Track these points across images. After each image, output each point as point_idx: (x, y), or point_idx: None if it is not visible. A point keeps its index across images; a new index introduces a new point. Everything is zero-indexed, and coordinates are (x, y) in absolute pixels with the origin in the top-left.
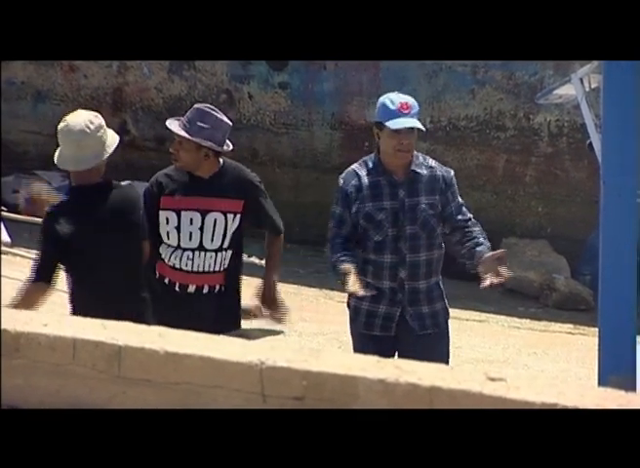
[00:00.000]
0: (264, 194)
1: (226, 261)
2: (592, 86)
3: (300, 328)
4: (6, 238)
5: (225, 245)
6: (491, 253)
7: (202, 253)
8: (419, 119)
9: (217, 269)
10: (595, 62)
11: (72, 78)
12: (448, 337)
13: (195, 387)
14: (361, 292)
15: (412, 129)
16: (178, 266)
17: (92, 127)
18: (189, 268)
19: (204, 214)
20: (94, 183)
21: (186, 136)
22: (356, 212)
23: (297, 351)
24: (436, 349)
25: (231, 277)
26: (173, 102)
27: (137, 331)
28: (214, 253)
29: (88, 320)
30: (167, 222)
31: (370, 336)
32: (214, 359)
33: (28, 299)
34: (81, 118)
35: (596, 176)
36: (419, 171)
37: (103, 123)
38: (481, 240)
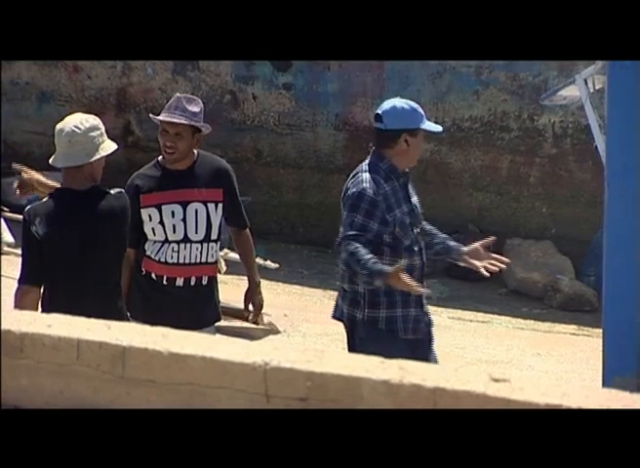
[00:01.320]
0: (236, 186)
1: (214, 253)
2: (597, 87)
3: (304, 328)
4: (9, 238)
5: (213, 236)
6: (480, 243)
7: (187, 245)
8: None
9: (204, 261)
10: (599, 63)
11: (76, 79)
12: None
13: (199, 388)
14: (422, 290)
15: None
16: (163, 260)
17: (85, 125)
18: (175, 260)
19: (184, 205)
20: (82, 189)
21: (193, 123)
22: (392, 220)
23: (300, 352)
24: (433, 351)
25: (215, 269)
26: None
27: (140, 331)
28: (199, 245)
29: (92, 320)
30: (150, 219)
31: (406, 341)
32: (217, 359)
33: (24, 306)
34: (76, 117)
35: (600, 177)
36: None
37: (101, 127)
38: (444, 234)
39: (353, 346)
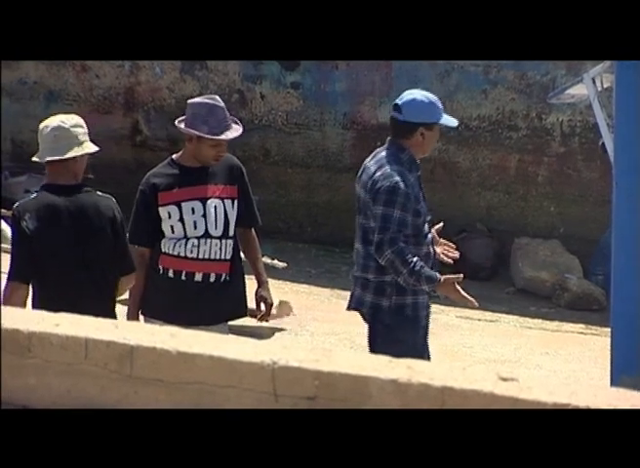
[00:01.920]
0: (248, 183)
1: (231, 250)
2: (604, 85)
3: (312, 327)
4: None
5: (230, 233)
6: (434, 228)
7: (208, 241)
8: None
9: (222, 257)
10: (607, 62)
11: (84, 78)
12: None
13: (207, 387)
14: (476, 303)
15: None
16: (182, 254)
17: (71, 121)
18: (195, 255)
19: (204, 201)
20: (67, 184)
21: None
22: (419, 211)
23: (309, 351)
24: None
25: (236, 266)
26: (185, 103)
27: (149, 330)
28: (219, 241)
29: (100, 319)
30: (169, 217)
31: (423, 328)
32: (225, 359)
33: (13, 302)
34: (60, 116)
35: (608, 176)
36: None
37: (84, 126)
38: None
39: (375, 333)
